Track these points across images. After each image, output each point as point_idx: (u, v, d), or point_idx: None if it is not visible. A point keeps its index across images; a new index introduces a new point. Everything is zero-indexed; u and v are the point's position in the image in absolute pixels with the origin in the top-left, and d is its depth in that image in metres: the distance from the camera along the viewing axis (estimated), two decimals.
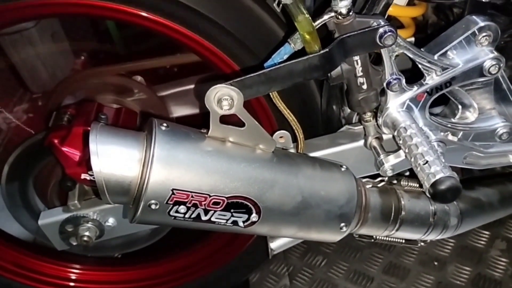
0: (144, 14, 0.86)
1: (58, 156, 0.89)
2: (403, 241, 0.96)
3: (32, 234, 1.20)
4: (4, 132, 1.38)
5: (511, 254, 1.35)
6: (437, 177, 0.72)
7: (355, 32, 0.74)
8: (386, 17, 0.86)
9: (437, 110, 0.95)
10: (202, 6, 0.85)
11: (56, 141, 0.89)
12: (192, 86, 1.22)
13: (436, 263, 1.37)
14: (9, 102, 1.43)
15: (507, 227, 1.43)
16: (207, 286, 1.27)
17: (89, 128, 0.88)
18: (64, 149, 0.89)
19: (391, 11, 0.87)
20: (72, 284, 1.17)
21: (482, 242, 1.40)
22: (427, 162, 0.74)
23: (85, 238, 0.96)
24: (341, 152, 0.91)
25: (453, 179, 0.73)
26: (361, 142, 0.90)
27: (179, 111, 1.23)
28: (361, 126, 0.90)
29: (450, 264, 1.36)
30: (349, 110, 0.97)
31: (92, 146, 0.68)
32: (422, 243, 0.97)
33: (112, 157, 0.69)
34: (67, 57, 1.44)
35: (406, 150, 0.79)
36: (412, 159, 0.77)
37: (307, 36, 0.73)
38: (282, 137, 0.87)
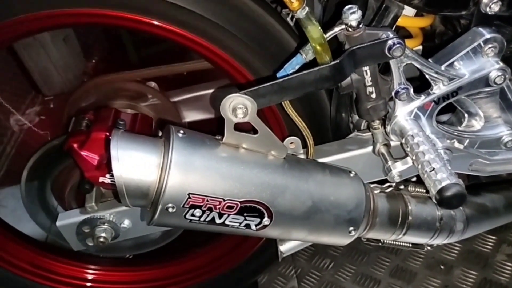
0: (156, 23, 0.88)
1: (78, 160, 0.92)
2: (410, 245, 0.98)
3: (47, 233, 1.22)
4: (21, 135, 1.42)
5: None
6: (443, 184, 0.75)
7: (365, 44, 0.76)
8: (394, 27, 0.90)
9: (444, 117, 0.97)
10: (216, 15, 0.87)
11: (75, 145, 0.92)
12: (204, 92, 1.25)
13: (442, 267, 1.38)
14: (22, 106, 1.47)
15: None
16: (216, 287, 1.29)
17: (107, 133, 0.92)
18: (83, 153, 0.91)
19: (399, 21, 0.89)
20: (88, 284, 1.20)
21: (489, 247, 1.41)
22: (433, 169, 0.77)
23: (101, 239, 0.99)
24: (350, 158, 0.93)
25: (459, 186, 0.75)
26: (370, 149, 0.92)
27: (192, 116, 1.26)
28: (370, 133, 0.92)
29: (457, 268, 1.37)
30: (357, 117, 1.00)
31: (113, 152, 0.71)
32: (429, 247, 0.99)
33: (132, 163, 0.72)
34: (79, 60, 1.47)
35: (414, 157, 0.81)
36: (419, 166, 0.80)
37: (319, 48, 0.76)
38: (292, 143, 0.90)
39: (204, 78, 1.27)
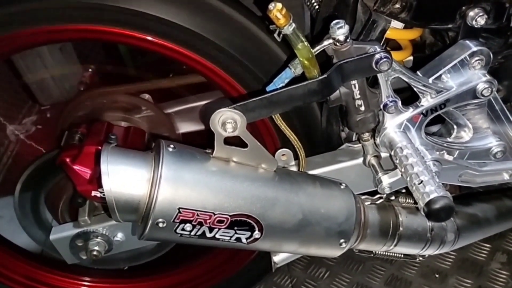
0: (150, 38, 0.90)
1: (70, 174, 0.93)
2: (402, 255, 0.98)
3: (41, 246, 1.23)
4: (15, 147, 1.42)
5: (511, 267, 1.37)
6: (431, 196, 0.75)
7: (352, 59, 0.77)
8: (383, 41, 0.90)
9: (434, 128, 0.97)
10: (208, 31, 0.89)
11: (68, 159, 0.93)
12: (197, 103, 1.26)
13: (437, 276, 1.38)
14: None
15: (507, 240, 1.45)
16: None
17: (100, 148, 0.93)
18: (76, 167, 0.92)
19: (389, 34, 0.90)
20: None
21: (483, 255, 1.42)
22: (421, 181, 0.77)
23: (95, 253, 1.00)
24: (341, 169, 0.94)
25: (447, 198, 0.75)
26: (360, 160, 0.93)
27: (186, 127, 1.27)
28: (361, 144, 0.93)
29: (451, 276, 1.37)
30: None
31: (103, 167, 0.72)
32: (421, 258, 0.99)
33: (122, 177, 0.72)
34: (75, 69, 1.48)
35: (402, 170, 0.82)
36: (408, 179, 0.80)
37: (306, 62, 0.76)
38: (284, 154, 0.90)
39: (198, 89, 1.28)
